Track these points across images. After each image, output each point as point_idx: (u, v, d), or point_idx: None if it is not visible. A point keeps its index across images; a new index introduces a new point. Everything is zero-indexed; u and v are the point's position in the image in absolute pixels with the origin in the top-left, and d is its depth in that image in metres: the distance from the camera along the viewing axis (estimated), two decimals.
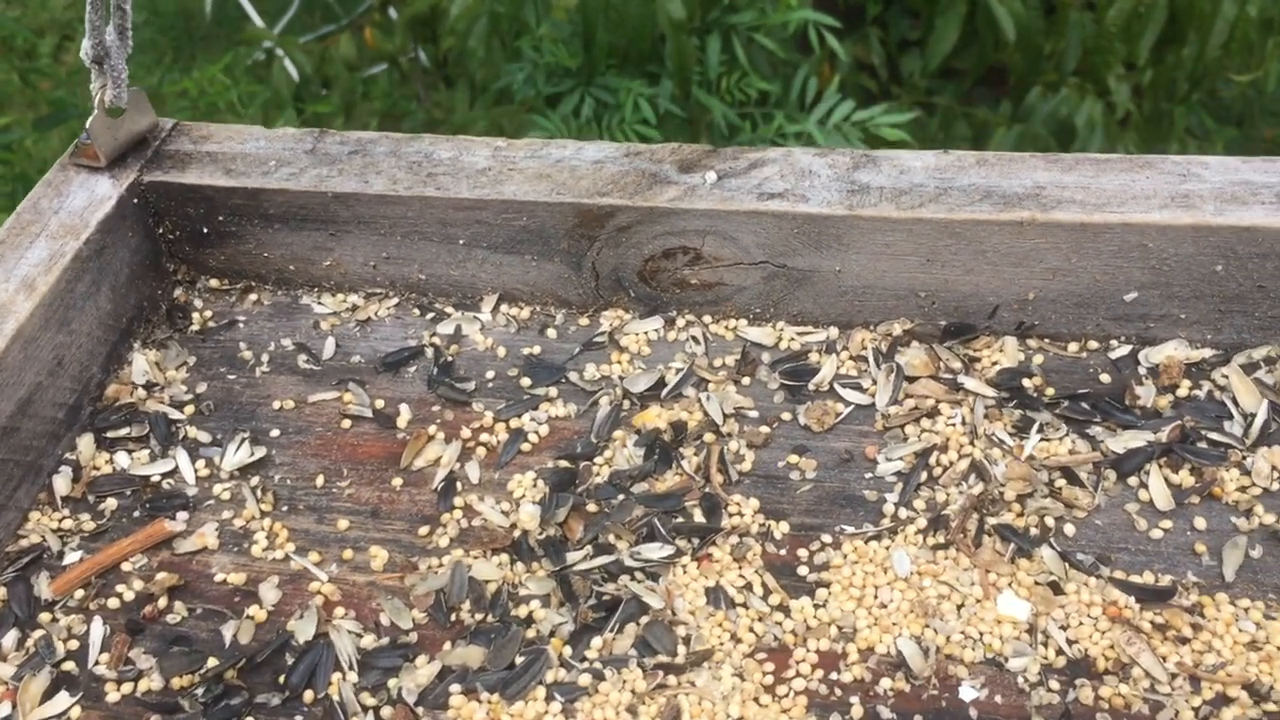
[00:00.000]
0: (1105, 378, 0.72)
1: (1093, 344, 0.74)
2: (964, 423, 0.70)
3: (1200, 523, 0.65)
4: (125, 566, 0.67)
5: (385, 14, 1.97)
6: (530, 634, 0.62)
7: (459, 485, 0.70)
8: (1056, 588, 0.62)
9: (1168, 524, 0.65)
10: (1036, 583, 0.62)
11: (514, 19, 1.50)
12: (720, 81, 1.45)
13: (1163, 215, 0.68)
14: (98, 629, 0.64)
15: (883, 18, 1.84)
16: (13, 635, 0.64)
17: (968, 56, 1.70)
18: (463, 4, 1.49)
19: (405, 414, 0.75)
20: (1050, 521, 0.65)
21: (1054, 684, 0.59)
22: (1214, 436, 0.68)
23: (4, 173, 1.66)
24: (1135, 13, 1.50)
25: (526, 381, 0.76)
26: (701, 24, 1.43)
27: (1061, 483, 0.67)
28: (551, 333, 0.79)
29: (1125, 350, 0.73)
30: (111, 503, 0.71)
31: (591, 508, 0.68)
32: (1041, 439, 0.69)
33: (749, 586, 0.64)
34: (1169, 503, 0.66)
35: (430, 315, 0.81)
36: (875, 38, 1.80)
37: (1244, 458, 0.67)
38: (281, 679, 0.62)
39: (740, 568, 0.65)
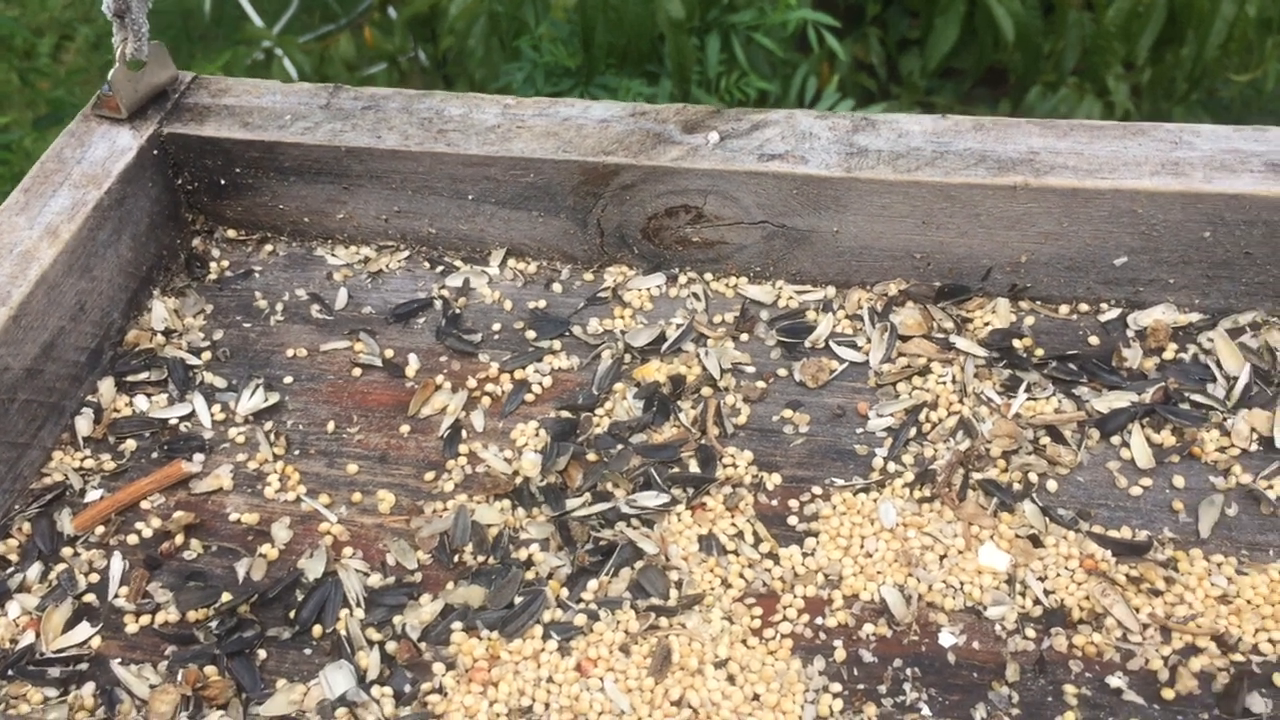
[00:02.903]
0: (1094, 340, 0.74)
1: (1083, 307, 0.76)
2: (954, 381, 0.72)
3: (1179, 481, 0.67)
4: (144, 505, 0.70)
5: (384, 13, 1.96)
6: (529, 576, 0.65)
7: (464, 433, 0.73)
8: (1036, 540, 0.65)
9: (1147, 482, 0.67)
10: (1017, 535, 0.65)
11: (513, 18, 1.50)
12: (719, 81, 1.46)
13: (1153, 182, 0.69)
14: (117, 564, 0.67)
15: (882, 17, 1.85)
16: (37, 568, 0.67)
17: (967, 56, 1.71)
18: (462, 3, 1.49)
19: (414, 364, 0.77)
20: (1034, 478, 0.68)
21: (1030, 632, 0.61)
22: (1196, 398, 0.70)
23: (3, 172, 1.66)
24: (1134, 12, 1.50)
25: (531, 334, 0.78)
26: (700, 23, 1.44)
27: (1046, 440, 0.69)
28: (557, 287, 0.81)
29: (1115, 313, 0.75)
30: (131, 444, 0.74)
31: (591, 457, 0.71)
32: (1029, 398, 0.71)
33: (740, 535, 0.67)
34: (1149, 461, 0.68)
35: (440, 268, 0.83)
36: (874, 37, 1.80)
37: (1225, 419, 0.69)
38: (292, 614, 0.65)
39: (733, 516, 0.67)
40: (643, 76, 1.44)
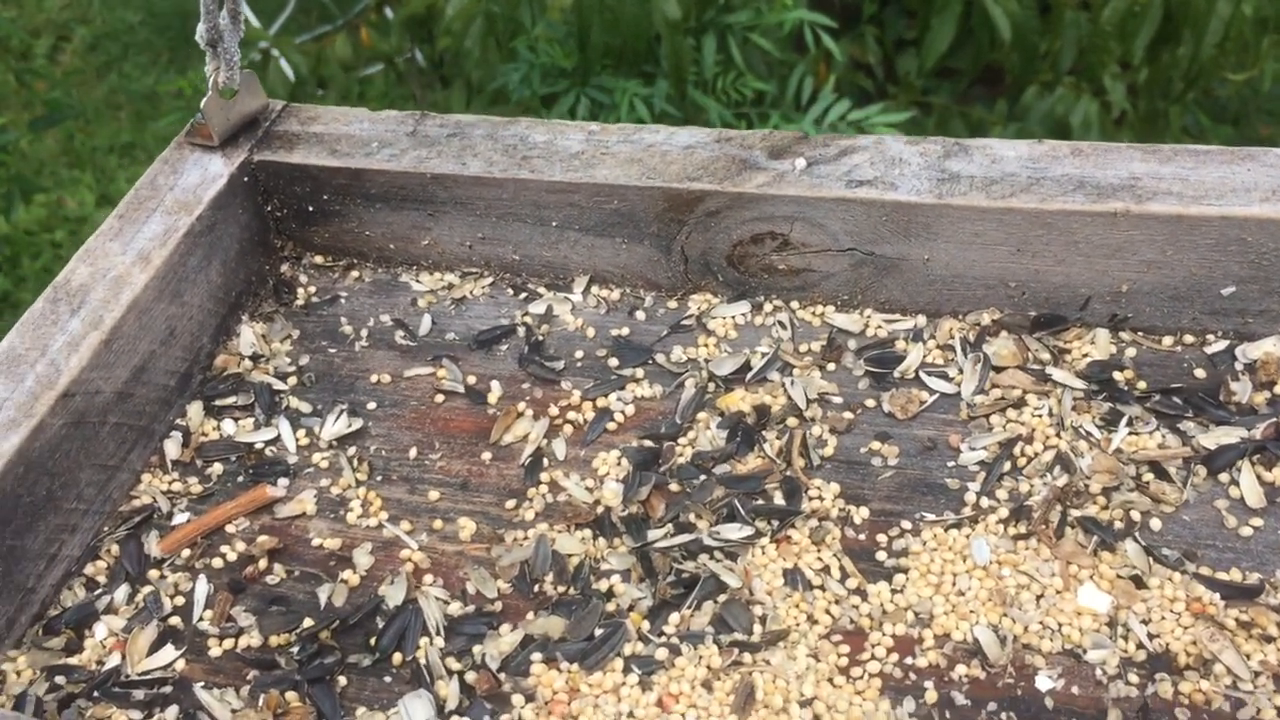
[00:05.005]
0: (1200, 373, 0.71)
1: (1188, 338, 0.73)
2: (1051, 414, 0.70)
3: None
4: (229, 529, 0.71)
5: (381, 14, 1.98)
6: (610, 607, 0.64)
7: (545, 461, 0.72)
8: (1139, 582, 0.62)
9: (1258, 522, 0.64)
10: (1119, 576, 0.62)
11: (509, 19, 1.51)
12: (716, 81, 1.45)
13: (1263, 209, 0.66)
14: (202, 587, 0.68)
15: (879, 17, 1.84)
16: (124, 590, 0.68)
17: (964, 56, 1.70)
18: (458, 4, 1.50)
19: (496, 390, 0.77)
20: (1136, 515, 0.65)
21: (1133, 677, 0.59)
22: None
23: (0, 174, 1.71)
24: (1130, 12, 1.48)
25: (614, 362, 0.77)
26: (697, 24, 1.43)
27: (1149, 477, 0.66)
28: (640, 315, 0.80)
29: (1222, 345, 0.72)
30: (218, 467, 0.74)
31: (674, 487, 0.69)
32: (1130, 432, 0.68)
33: (827, 569, 0.65)
34: (1260, 500, 0.64)
35: (523, 295, 0.83)
36: (871, 37, 1.79)
37: None
38: (372, 641, 0.64)
39: (819, 551, 0.66)
40: (639, 77, 1.44)
